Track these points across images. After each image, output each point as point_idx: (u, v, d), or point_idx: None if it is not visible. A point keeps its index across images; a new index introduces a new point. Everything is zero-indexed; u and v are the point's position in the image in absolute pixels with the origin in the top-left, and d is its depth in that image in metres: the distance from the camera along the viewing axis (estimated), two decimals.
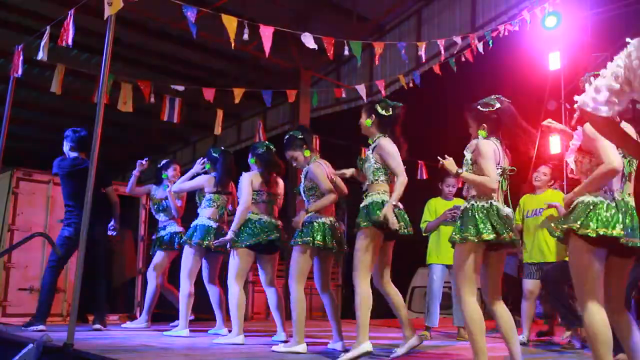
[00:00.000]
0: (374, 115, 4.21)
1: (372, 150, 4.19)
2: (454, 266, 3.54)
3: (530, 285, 5.76)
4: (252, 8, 8.95)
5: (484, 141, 3.53)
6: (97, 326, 5.62)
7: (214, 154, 5.80)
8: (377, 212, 3.96)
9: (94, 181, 4.09)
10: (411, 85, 8.02)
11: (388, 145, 4.12)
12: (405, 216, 4.16)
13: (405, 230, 4.10)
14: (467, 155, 3.58)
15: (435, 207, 6.09)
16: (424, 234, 6.02)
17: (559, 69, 9.69)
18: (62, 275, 6.53)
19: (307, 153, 4.69)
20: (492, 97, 3.67)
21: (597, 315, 2.94)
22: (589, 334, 2.97)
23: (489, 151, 3.49)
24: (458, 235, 3.43)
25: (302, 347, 4.39)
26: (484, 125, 3.59)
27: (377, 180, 4.12)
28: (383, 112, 4.20)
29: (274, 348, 4.49)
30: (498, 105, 3.61)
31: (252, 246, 4.92)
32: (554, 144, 9.50)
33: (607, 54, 7.74)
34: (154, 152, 14.77)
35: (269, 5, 9.17)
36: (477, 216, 3.40)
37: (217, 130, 7.39)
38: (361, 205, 4.12)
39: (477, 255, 3.40)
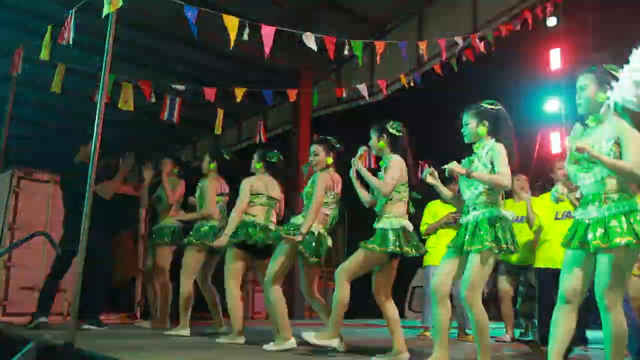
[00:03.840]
0: (385, 136, 4.21)
1: (384, 171, 4.18)
2: (468, 274, 3.53)
3: (507, 284, 6.01)
4: (253, 8, 8.95)
5: (499, 144, 3.59)
6: (87, 327, 5.58)
7: (225, 155, 5.92)
8: (395, 241, 4.02)
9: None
10: (412, 85, 8.04)
11: (398, 163, 4.13)
12: (415, 239, 4.18)
13: (414, 252, 4.14)
14: (484, 157, 3.59)
15: (435, 210, 6.08)
16: (423, 237, 6.02)
17: (559, 69, 9.73)
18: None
19: (330, 161, 4.67)
20: (492, 100, 3.75)
21: (621, 315, 2.98)
22: (616, 334, 2.97)
23: (504, 152, 3.54)
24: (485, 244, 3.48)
25: (290, 343, 4.43)
26: (485, 122, 3.64)
27: (391, 200, 4.11)
28: (395, 132, 4.21)
29: (265, 347, 4.50)
30: (499, 107, 3.70)
31: (242, 246, 4.94)
32: (555, 145, 9.52)
33: (607, 54, 7.74)
34: (155, 151, 14.78)
35: (270, 5, 9.17)
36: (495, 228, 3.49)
37: (218, 130, 7.40)
38: (378, 227, 4.12)
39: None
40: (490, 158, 3.57)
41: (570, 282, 3.11)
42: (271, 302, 4.53)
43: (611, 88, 3.07)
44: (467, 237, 3.55)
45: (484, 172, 3.54)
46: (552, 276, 4.92)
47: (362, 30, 9.61)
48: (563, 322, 3.11)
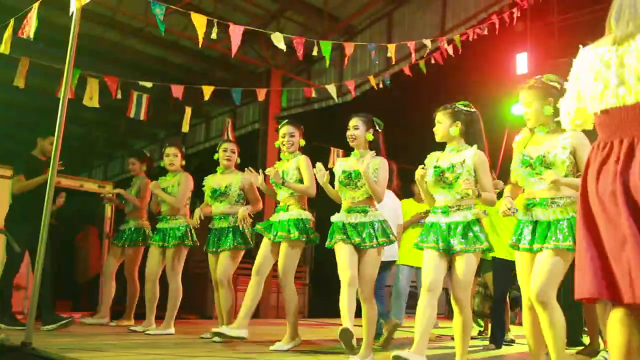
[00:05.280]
0: (372, 130, 4.23)
1: (369, 167, 4.10)
2: (465, 275, 3.58)
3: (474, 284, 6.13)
4: (223, 6, 8.91)
5: (482, 153, 3.66)
6: (47, 327, 5.27)
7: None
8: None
9: None
10: (381, 86, 8.08)
11: (386, 165, 4.19)
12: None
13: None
14: (466, 163, 3.62)
15: (407, 209, 6.11)
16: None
17: (526, 73, 9.86)
18: (24, 272, 6.38)
19: (302, 143, 4.76)
20: (467, 102, 3.83)
21: (558, 311, 3.15)
22: (557, 329, 3.12)
23: (488, 164, 3.65)
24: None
25: (244, 332, 4.46)
26: (458, 122, 3.70)
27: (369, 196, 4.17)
28: (378, 129, 4.27)
29: (217, 330, 4.56)
30: (474, 110, 3.79)
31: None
32: None
33: (573, 59, 7.86)
34: (120, 148, 14.61)
35: (240, 4, 9.13)
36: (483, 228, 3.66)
37: (185, 128, 7.33)
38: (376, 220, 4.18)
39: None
40: (473, 166, 3.61)
41: (528, 285, 3.20)
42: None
43: (554, 98, 3.21)
44: (455, 237, 3.58)
45: (470, 180, 3.55)
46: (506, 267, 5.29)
47: (332, 30, 9.65)
48: (536, 323, 3.21)
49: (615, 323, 2.04)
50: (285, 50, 6.05)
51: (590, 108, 2.23)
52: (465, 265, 3.55)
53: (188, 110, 7.38)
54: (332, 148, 8.98)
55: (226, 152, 5.29)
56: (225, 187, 5.17)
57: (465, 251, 3.54)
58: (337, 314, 4.11)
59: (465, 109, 3.75)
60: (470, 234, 3.55)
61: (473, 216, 3.59)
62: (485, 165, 3.63)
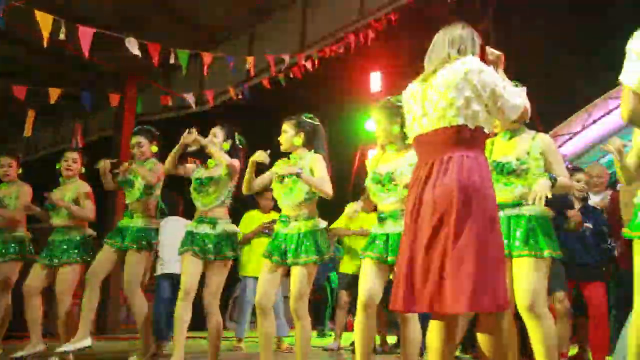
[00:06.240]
0: (230, 140, 4.35)
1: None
2: (298, 286, 3.70)
3: (347, 295, 6.22)
4: (77, 4, 8.46)
5: (319, 155, 3.83)
6: None
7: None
8: None
9: None
10: (240, 97, 8.12)
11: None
12: None
13: None
14: (306, 167, 3.77)
15: (251, 220, 6.17)
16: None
17: (379, 91, 10.39)
18: None
19: (155, 149, 4.72)
20: (311, 115, 3.99)
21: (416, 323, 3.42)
22: (412, 339, 3.38)
23: (324, 162, 3.82)
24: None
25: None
26: (302, 133, 3.87)
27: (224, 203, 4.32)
28: (239, 145, 4.40)
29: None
30: (317, 122, 3.96)
31: None
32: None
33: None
34: None
35: (97, 4, 8.72)
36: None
37: (27, 131, 6.85)
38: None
39: None
40: (309, 167, 3.77)
41: (369, 290, 3.37)
42: None
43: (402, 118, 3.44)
44: (291, 249, 3.71)
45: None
46: None
47: (194, 39, 9.50)
48: (366, 327, 3.37)
49: (430, 332, 2.30)
50: (140, 55, 5.89)
51: (409, 135, 2.60)
52: (298, 277, 3.68)
53: (31, 113, 6.92)
54: (190, 158, 8.81)
55: (67, 162, 4.97)
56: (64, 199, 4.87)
57: (296, 263, 3.69)
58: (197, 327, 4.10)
59: (309, 120, 3.93)
60: (303, 245, 3.69)
61: (306, 227, 3.73)
62: (321, 163, 3.77)
